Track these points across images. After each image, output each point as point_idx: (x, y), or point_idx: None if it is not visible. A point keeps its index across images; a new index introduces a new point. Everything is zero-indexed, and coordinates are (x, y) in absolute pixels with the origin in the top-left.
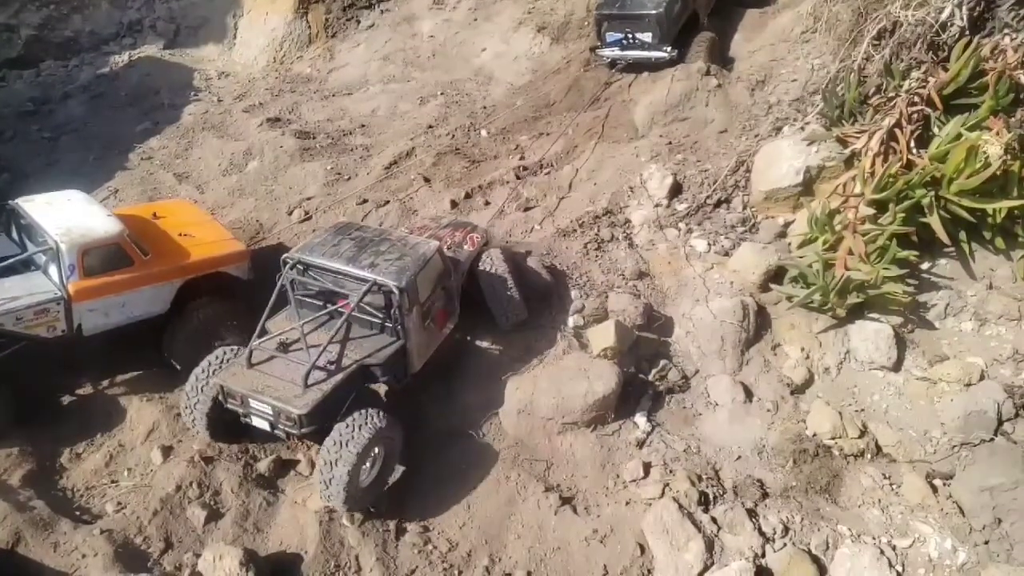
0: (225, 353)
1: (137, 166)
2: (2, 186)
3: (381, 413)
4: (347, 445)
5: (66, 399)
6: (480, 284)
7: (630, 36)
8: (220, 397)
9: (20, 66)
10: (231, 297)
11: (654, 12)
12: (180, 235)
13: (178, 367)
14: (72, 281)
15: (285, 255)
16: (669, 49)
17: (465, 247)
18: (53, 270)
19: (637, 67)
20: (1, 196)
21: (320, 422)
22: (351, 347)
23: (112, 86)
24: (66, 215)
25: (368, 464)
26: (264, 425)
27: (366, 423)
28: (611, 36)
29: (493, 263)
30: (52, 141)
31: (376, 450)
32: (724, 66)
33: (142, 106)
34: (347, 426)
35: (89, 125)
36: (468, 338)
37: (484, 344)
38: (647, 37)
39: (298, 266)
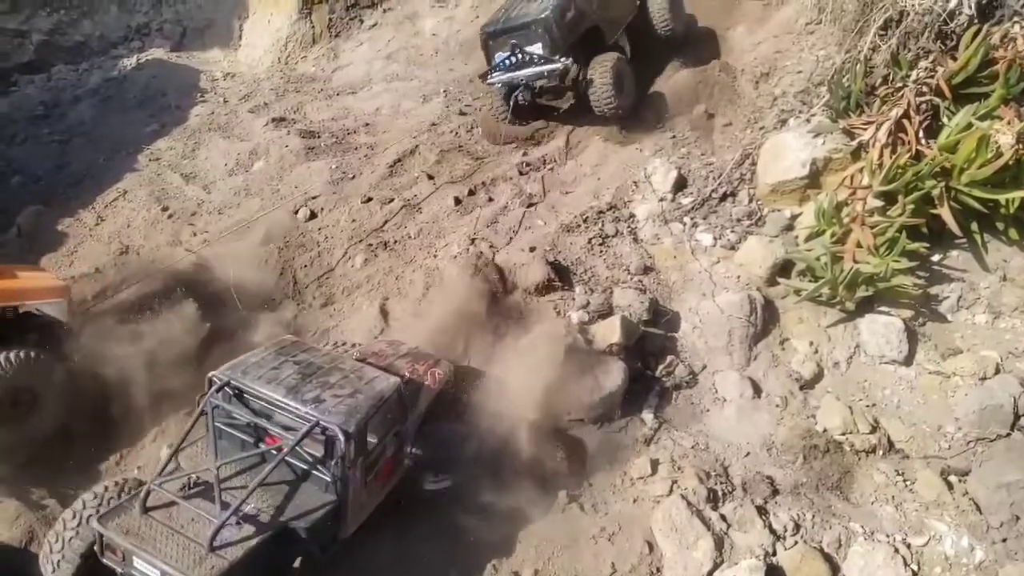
0: (107, 490)
1: (145, 167)
2: (15, 189)
3: None
4: None
5: None
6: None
7: (518, 52)
8: (97, 547)
9: (31, 71)
10: (49, 345)
11: (541, 16)
12: None
13: None
14: None
15: (212, 373)
16: (561, 58)
17: (425, 383)
18: None
19: (544, 109)
20: (14, 199)
21: None
22: (274, 501)
23: (121, 89)
24: None
25: None
26: None
27: None
28: (499, 56)
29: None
30: (63, 144)
31: None
32: (726, 59)
33: (150, 108)
34: None
35: (99, 127)
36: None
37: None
38: (537, 48)
39: (226, 389)
